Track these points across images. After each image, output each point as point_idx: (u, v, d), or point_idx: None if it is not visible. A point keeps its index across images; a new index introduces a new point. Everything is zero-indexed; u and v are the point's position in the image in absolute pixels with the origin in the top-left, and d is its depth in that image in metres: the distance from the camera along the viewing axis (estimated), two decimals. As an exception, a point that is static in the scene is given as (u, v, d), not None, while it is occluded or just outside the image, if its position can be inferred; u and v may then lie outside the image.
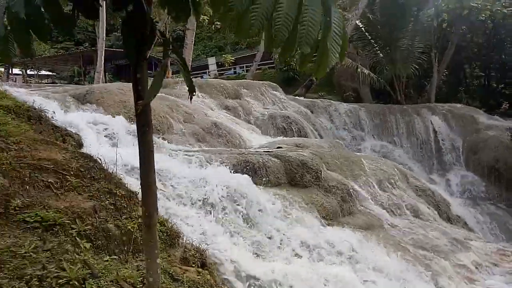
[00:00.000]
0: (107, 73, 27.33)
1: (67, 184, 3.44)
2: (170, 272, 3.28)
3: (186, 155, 6.12)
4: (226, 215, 4.85)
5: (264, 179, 6.45)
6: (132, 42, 1.74)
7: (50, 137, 4.60)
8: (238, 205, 5.07)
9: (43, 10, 1.60)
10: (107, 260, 2.99)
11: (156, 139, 7.11)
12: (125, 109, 7.91)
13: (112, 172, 4.06)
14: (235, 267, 4.06)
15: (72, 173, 3.59)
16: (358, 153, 11.70)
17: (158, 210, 2.55)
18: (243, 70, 29.57)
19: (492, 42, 20.64)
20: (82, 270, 2.65)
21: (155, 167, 2.20)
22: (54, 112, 5.36)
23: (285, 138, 10.42)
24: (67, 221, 2.99)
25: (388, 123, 15.29)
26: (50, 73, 37.94)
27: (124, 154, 4.63)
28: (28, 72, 34.23)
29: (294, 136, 11.02)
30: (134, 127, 6.76)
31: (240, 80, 15.61)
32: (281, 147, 8.31)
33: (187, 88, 1.98)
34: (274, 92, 14.12)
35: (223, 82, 13.15)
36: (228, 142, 9.00)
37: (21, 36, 1.61)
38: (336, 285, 4.42)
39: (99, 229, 3.20)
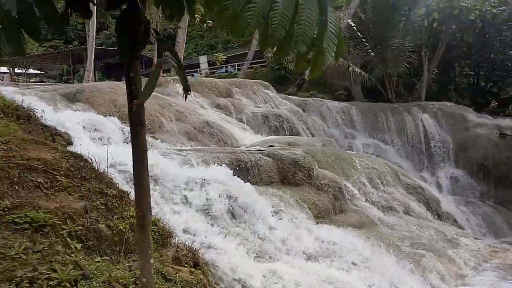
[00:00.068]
0: (96, 72, 26.99)
1: (57, 184, 3.39)
2: (163, 272, 3.25)
3: (177, 154, 6.08)
4: (217, 214, 4.83)
5: (256, 177, 6.44)
6: (126, 40, 1.71)
7: (39, 136, 4.53)
8: (229, 203, 5.05)
9: (35, 8, 1.56)
10: (98, 261, 2.96)
11: (147, 138, 7.05)
12: (115, 108, 7.84)
13: (103, 172, 4.02)
14: (227, 266, 4.04)
15: (62, 173, 3.54)
16: (349, 151, 11.76)
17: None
18: (235, 69, 29.46)
19: (482, 42, 20.87)
20: (74, 271, 2.62)
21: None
22: (43, 111, 5.29)
23: (277, 136, 10.42)
24: (57, 222, 2.95)
25: (379, 121, 15.39)
26: (38, 71, 37.38)
27: (114, 153, 4.57)
28: (16, 70, 33.68)
29: (286, 135, 11.03)
30: (125, 126, 6.69)
31: (232, 79, 15.58)
32: (273, 146, 8.31)
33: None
34: (266, 90, 14.12)
35: (215, 81, 13.11)
36: (220, 140, 8.97)
37: (13, 34, 1.57)
38: (330, 285, 4.43)
39: (90, 229, 3.16)
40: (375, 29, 17.29)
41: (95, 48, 19.12)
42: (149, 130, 7.71)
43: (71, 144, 5.07)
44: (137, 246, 2.44)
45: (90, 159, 4.03)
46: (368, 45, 17.93)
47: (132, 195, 3.71)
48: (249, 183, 5.82)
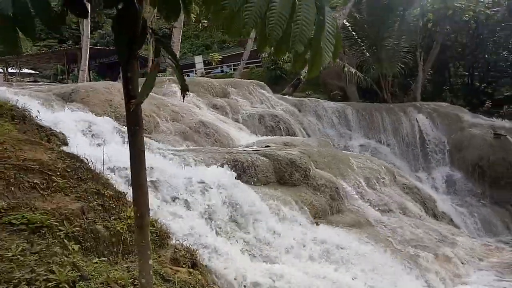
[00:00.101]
0: (91, 72, 26.85)
1: (53, 185, 3.37)
2: (161, 272, 3.25)
3: (172, 154, 6.06)
4: (215, 215, 4.82)
5: (253, 178, 6.43)
6: (123, 40, 1.71)
7: (34, 137, 4.51)
8: (226, 203, 5.05)
9: (30, 7, 1.55)
10: (96, 262, 2.95)
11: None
12: (111, 108, 7.81)
13: (100, 172, 4.00)
14: (225, 267, 4.04)
15: (58, 173, 3.52)
16: (345, 151, 11.79)
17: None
18: (230, 69, 29.42)
19: (475, 42, 21.01)
20: (72, 272, 2.61)
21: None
22: (38, 111, 5.25)
23: (273, 136, 10.42)
24: (54, 223, 2.94)
25: (375, 122, 15.43)
26: (33, 71, 37.12)
27: (110, 154, 4.56)
28: (10, 70, 33.42)
29: (282, 135, 11.03)
30: (121, 126, 6.64)
31: (227, 79, 15.54)
32: (269, 146, 8.31)
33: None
34: (262, 90, 14.11)
35: (211, 81, 13.08)
36: (216, 141, 8.96)
37: (8, 34, 1.56)
38: (327, 285, 4.43)
39: (88, 230, 3.15)
40: (370, 30, 17.35)
41: (89, 47, 19.04)
42: (145, 130, 7.69)
43: (67, 144, 5.04)
44: (136, 247, 2.43)
45: (86, 159, 4.01)
46: (363, 46, 17.98)
47: (129, 196, 3.70)
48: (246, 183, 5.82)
